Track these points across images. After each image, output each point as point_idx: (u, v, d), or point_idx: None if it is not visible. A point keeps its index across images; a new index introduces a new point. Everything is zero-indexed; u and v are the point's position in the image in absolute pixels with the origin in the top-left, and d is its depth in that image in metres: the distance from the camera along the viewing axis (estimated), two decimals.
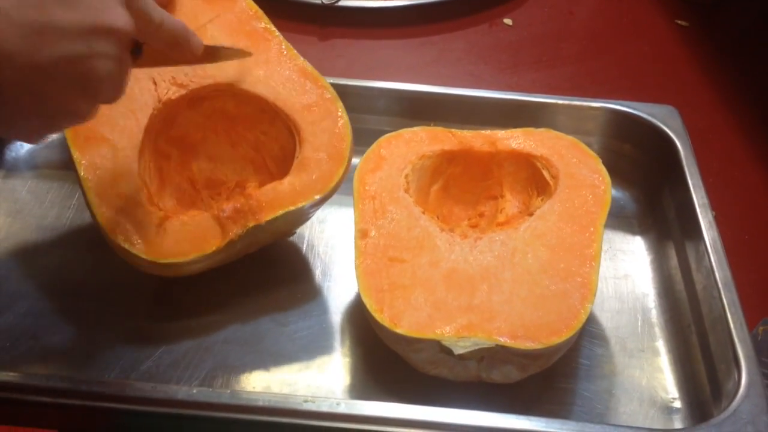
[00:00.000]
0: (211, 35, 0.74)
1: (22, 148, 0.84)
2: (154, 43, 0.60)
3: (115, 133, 0.70)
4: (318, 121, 0.73)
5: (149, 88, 0.72)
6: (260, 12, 0.77)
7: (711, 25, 1.11)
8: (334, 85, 0.75)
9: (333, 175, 0.71)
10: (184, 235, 0.68)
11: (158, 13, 0.58)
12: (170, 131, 0.75)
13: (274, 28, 0.76)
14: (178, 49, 0.61)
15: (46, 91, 0.50)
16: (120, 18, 0.52)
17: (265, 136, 0.77)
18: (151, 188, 0.71)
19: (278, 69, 0.74)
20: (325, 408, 0.59)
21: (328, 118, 0.73)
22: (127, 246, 0.66)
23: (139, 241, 0.66)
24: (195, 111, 0.76)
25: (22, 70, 0.48)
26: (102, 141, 0.69)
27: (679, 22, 1.12)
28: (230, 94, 0.75)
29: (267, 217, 0.69)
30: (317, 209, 0.73)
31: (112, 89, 0.55)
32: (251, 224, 0.68)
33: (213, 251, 0.68)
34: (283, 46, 0.75)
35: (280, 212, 0.69)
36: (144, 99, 0.72)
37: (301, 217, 0.73)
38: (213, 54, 0.68)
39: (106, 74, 0.52)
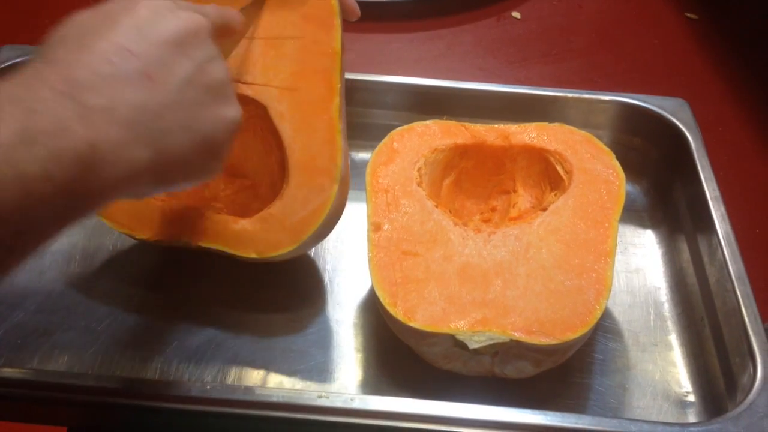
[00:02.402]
0: (284, 53, 0.70)
1: None
2: None
3: None
4: (307, 188, 0.68)
5: None
6: (339, 62, 0.69)
7: (720, 17, 1.11)
8: (345, 79, 0.74)
9: (280, 246, 0.68)
10: (131, 209, 0.69)
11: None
12: None
13: (339, 82, 0.69)
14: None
15: (191, 117, 0.51)
16: (192, 16, 0.52)
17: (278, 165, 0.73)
18: None
19: (312, 120, 0.69)
20: (339, 403, 0.59)
21: (318, 191, 0.67)
22: None
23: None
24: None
25: (160, 113, 0.48)
26: None
27: (689, 15, 1.12)
28: (266, 114, 0.71)
29: (200, 242, 0.69)
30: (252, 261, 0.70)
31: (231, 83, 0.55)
32: (184, 240, 0.69)
33: (141, 239, 0.70)
34: (334, 102, 0.68)
35: (214, 246, 0.69)
36: None
37: (234, 259, 0.70)
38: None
39: (222, 72, 0.53)
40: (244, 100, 0.69)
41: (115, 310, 0.71)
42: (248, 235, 0.68)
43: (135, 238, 0.71)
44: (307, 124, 0.69)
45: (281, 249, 0.68)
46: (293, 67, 0.70)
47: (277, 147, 0.71)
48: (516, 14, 1.09)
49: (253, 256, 0.68)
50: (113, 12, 0.49)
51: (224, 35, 0.60)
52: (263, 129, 0.73)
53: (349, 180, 0.70)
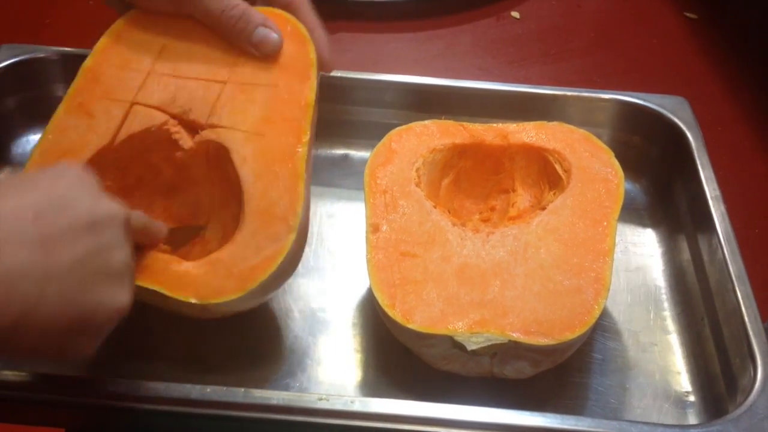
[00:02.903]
0: (254, 99, 0.69)
1: (28, 144, 0.84)
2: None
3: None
4: (261, 236, 0.63)
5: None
6: (310, 112, 0.68)
7: (720, 17, 1.10)
8: (341, 79, 0.74)
9: (223, 293, 0.61)
10: None
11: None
12: (175, 152, 0.70)
13: (308, 135, 0.67)
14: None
15: (74, 291, 0.49)
16: (113, 206, 0.53)
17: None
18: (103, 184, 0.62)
19: (276, 166, 0.66)
20: (339, 406, 0.58)
21: (272, 240, 0.63)
22: None
23: None
24: (192, 150, 0.70)
25: (41, 281, 0.47)
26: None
27: (688, 14, 1.11)
28: (227, 158, 0.67)
29: (138, 281, 0.59)
30: (191, 310, 0.64)
31: (132, 275, 0.54)
32: None
33: None
34: (300, 151, 0.66)
35: (151, 287, 0.61)
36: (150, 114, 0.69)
37: (173, 306, 0.63)
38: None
39: (123, 261, 0.52)
40: (207, 146, 0.69)
41: None
42: (190, 278, 0.62)
43: None
44: (269, 170, 0.65)
45: (224, 296, 0.61)
46: (262, 113, 0.68)
47: (234, 198, 0.67)
48: (515, 14, 1.09)
49: (192, 300, 0.61)
50: (37, 179, 0.50)
51: (141, 240, 0.59)
52: (221, 179, 0.70)
53: (307, 232, 0.67)
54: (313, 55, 0.70)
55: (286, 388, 0.66)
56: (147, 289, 0.61)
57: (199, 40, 0.71)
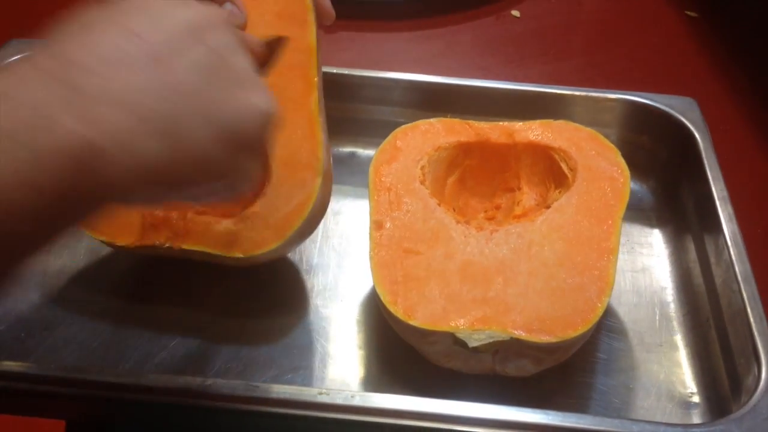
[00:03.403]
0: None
1: None
2: None
3: None
4: (289, 184, 0.67)
5: None
6: (315, 56, 0.69)
7: (721, 15, 1.10)
8: (348, 76, 0.74)
9: (264, 244, 0.67)
10: (111, 217, 0.67)
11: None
12: None
13: (315, 78, 0.69)
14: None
15: (207, 103, 0.44)
16: (207, 9, 0.47)
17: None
18: None
19: (291, 114, 0.68)
20: (339, 400, 0.58)
21: (300, 186, 0.67)
22: None
23: None
24: None
25: (172, 98, 0.42)
26: None
27: (689, 13, 1.11)
28: None
29: (185, 245, 0.67)
30: (237, 263, 0.69)
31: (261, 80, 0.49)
32: (167, 244, 0.68)
33: (121, 245, 0.68)
34: (313, 97, 0.68)
35: (198, 249, 0.67)
36: None
37: (221, 261, 0.69)
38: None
39: (245, 65, 0.47)
40: None
41: (118, 306, 0.72)
42: (232, 235, 0.67)
43: (114, 246, 0.69)
44: (285, 120, 0.67)
45: (266, 246, 0.66)
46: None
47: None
48: (515, 13, 1.08)
49: (239, 255, 0.66)
50: (124, 5, 0.44)
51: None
52: None
53: (332, 174, 0.69)
54: (309, 0, 0.70)
55: (289, 383, 0.66)
56: (194, 251, 0.67)
57: None
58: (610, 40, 1.06)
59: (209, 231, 0.67)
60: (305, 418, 0.59)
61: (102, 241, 0.69)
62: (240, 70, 0.46)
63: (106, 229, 0.68)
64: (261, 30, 0.68)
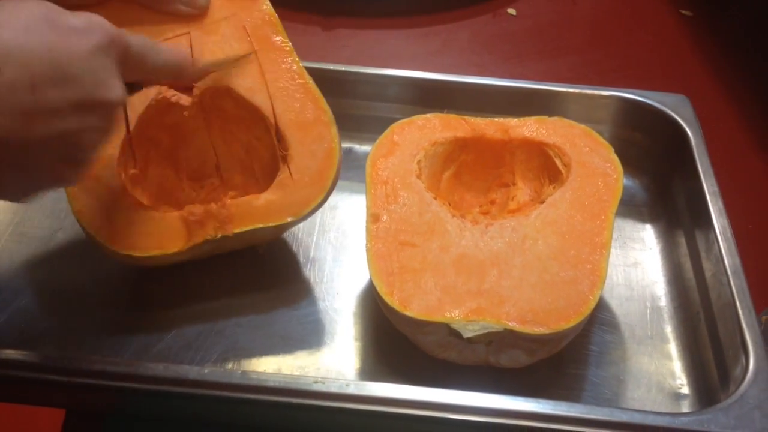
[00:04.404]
0: (223, 33, 0.72)
1: None
2: (153, 82, 0.62)
3: None
4: (308, 142, 0.71)
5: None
6: (278, 22, 0.74)
7: (715, 14, 1.11)
8: (346, 73, 0.75)
9: (311, 200, 0.70)
10: (150, 230, 0.68)
11: (156, 54, 0.58)
12: (164, 118, 0.73)
13: (288, 42, 0.73)
14: (177, 78, 0.63)
15: (33, 165, 0.50)
16: (113, 91, 0.52)
17: (259, 141, 0.75)
18: (129, 174, 0.70)
19: (281, 82, 0.72)
20: (334, 389, 0.59)
21: (319, 141, 0.71)
22: (92, 232, 0.67)
23: (106, 229, 0.67)
24: (193, 102, 0.74)
25: (10, 148, 0.48)
26: None
27: (684, 12, 1.12)
28: (229, 96, 0.73)
29: (236, 229, 0.69)
30: (290, 228, 0.73)
31: (94, 156, 0.55)
32: (219, 234, 0.68)
33: (174, 252, 0.68)
34: (291, 60, 0.73)
35: (250, 227, 0.69)
36: (144, 91, 0.71)
37: (271, 234, 0.72)
38: (208, 70, 0.70)
39: (92, 145, 0.53)
40: (204, 96, 0.73)
41: (118, 297, 0.73)
42: (275, 205, 0.69)
43: (168, 255, 0.68)
44: (278, 89, 0.72)
45: (313, 202, 0.70)
46: (238, 44, 0.72)
47: (238, 135, 0.75)
48: (511, 11, 1.09)
49: (290, 219, 0.69)
50: (45, 37, 0.49)
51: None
52: (220, 118, 0.75)
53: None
54: None
55: (285, 372, 0.67)
56: (246, 231, 0.68)
57: (138, 18, 0.72)
58: (606, 38, 1.07)
59: (252, 209, 0.69)
60: (301, 406, 0.60)
61: (150, 257, 0.68)
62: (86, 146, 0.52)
63: (151, 243, 0.68)
64: (217, 15, 0.73)
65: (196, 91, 0.73)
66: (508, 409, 0.59)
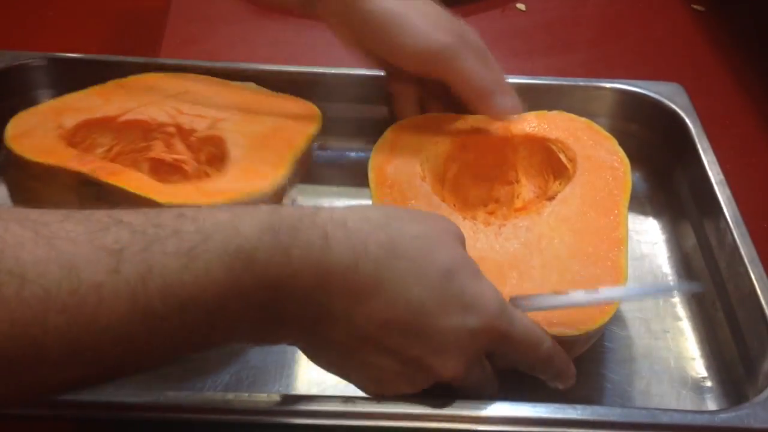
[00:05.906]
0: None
1: None
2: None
3: None
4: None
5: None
6: None
7: (728, 9, 1.10)
8: (342, 75, 0.72)
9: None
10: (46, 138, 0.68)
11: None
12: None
13: None
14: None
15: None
16: (449, 371, 0.53)
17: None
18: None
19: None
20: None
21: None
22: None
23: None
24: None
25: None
26: None
27: (696, 6, 1.11)
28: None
29: (110, 179, 0.64)
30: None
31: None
32: (96, 177, 0.65)
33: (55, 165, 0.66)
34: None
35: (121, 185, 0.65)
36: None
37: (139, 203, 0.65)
38: None
39: (392, 386, 0.55)
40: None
41: None
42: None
43: (51, 166, 0.66)
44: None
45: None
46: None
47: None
48: (521, 6, 1.08)
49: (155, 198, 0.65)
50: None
51: None
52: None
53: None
54: None
55: (285, 389, 0.65)
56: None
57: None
58: (617, 34, 1.06)
59: (141, 179, 0.67)
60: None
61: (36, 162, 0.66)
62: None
63: (37, 152, 0.67)
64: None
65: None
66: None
